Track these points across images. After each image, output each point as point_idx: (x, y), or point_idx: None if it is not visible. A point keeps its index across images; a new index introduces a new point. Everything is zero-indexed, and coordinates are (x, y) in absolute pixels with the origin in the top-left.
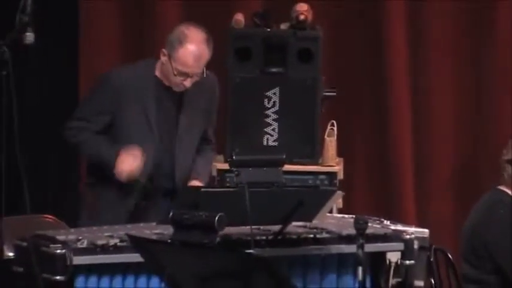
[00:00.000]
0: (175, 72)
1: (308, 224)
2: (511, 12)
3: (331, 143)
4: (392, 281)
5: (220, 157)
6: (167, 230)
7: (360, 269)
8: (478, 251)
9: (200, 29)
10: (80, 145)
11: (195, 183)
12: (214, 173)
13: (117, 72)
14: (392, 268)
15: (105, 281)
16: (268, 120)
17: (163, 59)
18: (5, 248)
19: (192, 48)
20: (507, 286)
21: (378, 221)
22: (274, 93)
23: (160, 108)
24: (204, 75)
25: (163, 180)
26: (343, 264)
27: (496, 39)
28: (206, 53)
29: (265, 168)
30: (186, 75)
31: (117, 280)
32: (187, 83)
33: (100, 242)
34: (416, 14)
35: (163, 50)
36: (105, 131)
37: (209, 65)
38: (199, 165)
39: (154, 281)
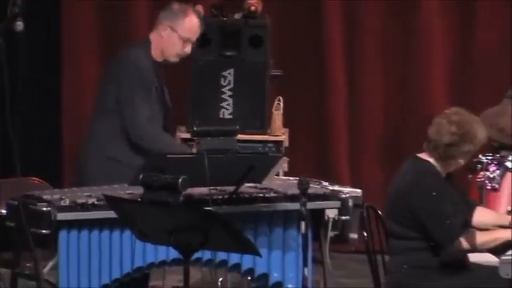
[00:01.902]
0: (184, 39)
1: (258, 185)
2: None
3: (278, 116)
4: (330, 234)
5: (183, 128)
6: (138, 191)
7: (303, 224)
8: (405, 213)
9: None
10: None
11: None
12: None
13: (135, 54)
14: (330, 223)
15: (84, 234)
16: (224, 96)
17: (165, 33)
18: None
19: (195, 18)
20: (428, 240)
21: (317, 183)
22: (229, 73)
23: (157, 82)
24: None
25: None
26: (289, 219)
27: (419, 27)
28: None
29: (221, 138)
30: (190, 41)
31: (95, 233)
32: (189, 49)
33: (80, 201)
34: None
35: (162, 24)
36: None
37: None
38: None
39: (127, 234)
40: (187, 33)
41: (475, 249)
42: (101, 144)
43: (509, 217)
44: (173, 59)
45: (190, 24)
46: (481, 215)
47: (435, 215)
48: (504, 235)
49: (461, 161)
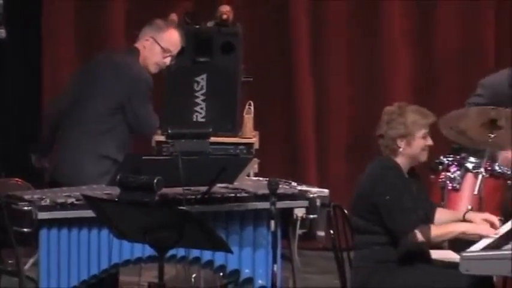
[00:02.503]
0: (165, 50)
1: (230, 185)
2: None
3: (248, 119)
4: (299, 232)
5: (159, 131)
6: (115, 191)
7: (273, 222)
8: (369, 208)
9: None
10: None
11: None
12: (153, 144)
13: (136, 65)
14: (298, 221)
15: (64, 232)
16: (197, 100)
17: (147, 43)
18: None
19: (177, 32)
20: (389, 233)
21: (287, 183)
22: (202, 79)
23: None
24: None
25: None
26: (259, 218)
27: (381, 29)
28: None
29: (194, 140)
30: (170, 53)
31: (74, 231)
32: (168, 61)
33: (60, 200)
34: (317, 11)
35: (146, 35)
36: None
37: None
38: None
39: (104, 232)
40: (168, 44)
41: (429, 242)
42: (95, 143)
43: (450, 227)
44: (152, 68)
45: (172, 36)
46: (441, 215)
47: (393, 209)
48: (457, 228)
49: (420, 137)
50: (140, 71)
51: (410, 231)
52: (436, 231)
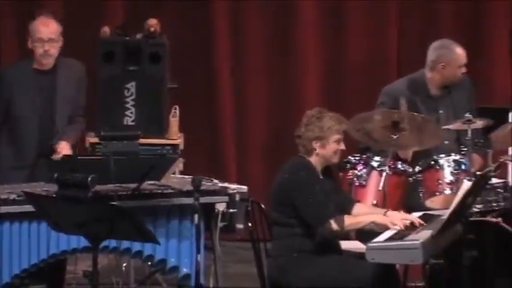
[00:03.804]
0: (35, 42)
1: (157, 182)
2: (312, 10)
3: (174, 122)
4: (220, 224)
5: (92, 133)
6: (53, 188)
7: (196, 216)
8: (286, 202)
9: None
10: None
11: (62, 142)
12: (87, 145)
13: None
14: (219, 215)
15: (6, 225)
16: (128, 105)
17: (29, 43)
18: None
19: (41, 20)
20: (303, 224)
21: (209, 180)
22: (132, 86)
23: (41, 90)
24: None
25: (47, 144)
26: (184, 212)
27: (296, 37)
28: (53, 22)
29: (125, 141)
30: (42, 40)
31: (15, 225)
32: (47, 47)
33: (3, 197)
34: (237, 14)
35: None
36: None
37: (84, 64)
38: (67, 130)
39: (43, 225)
40: (36, 33)
41: (343, 230)
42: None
43: (361, 218)
44: (44, 60)
45: (36, 25)
46: (360, 209)
47: (307, 203)
48: (368, 219)
49: (333, 141)
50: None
51: (325, 221)
52: (349, 220)
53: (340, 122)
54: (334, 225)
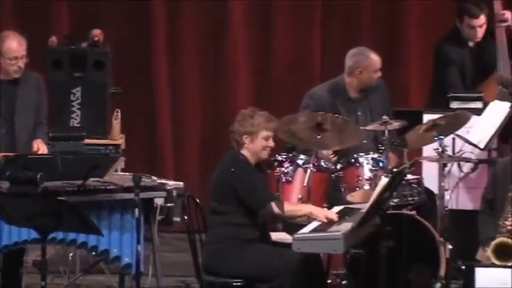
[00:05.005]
0: (8, 60)
1: (101, 179)
2: (240, 7)
3: (116, 124)
4: (158, 218)
5: None
6: (5, 184)
7: (136, 210)
8: (226, 191)
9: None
10: None
11: (38, 140)
12: None
13: None
14: (158, 209)
15: None
16: (74, 109)
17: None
18: None
19: (12, 37)
20: (239, 214)
21: (148, 177)
22: (78, 91)
23: (5, 99)
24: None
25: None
26: (125, 206)
27: (227, 40)
28: (22, 39)
29: (71, 142)
30: (16, 58)
31: None
32: (20, 63)
33: None
34: (173, 15)
35: None
36: None
37: (34, 70)
38: (37, 132)
39: None
40: (10, 52)
41: (283, 215)
42: None
43: (300, 206)
44: (15, 74)
45: (9, 44)
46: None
47: (249, 188)
48: (306, 208)
49: (262, 138)
50: None
51: (267, 204)
52: (289, 206)
53: (269, 121)
54: (275, 208)
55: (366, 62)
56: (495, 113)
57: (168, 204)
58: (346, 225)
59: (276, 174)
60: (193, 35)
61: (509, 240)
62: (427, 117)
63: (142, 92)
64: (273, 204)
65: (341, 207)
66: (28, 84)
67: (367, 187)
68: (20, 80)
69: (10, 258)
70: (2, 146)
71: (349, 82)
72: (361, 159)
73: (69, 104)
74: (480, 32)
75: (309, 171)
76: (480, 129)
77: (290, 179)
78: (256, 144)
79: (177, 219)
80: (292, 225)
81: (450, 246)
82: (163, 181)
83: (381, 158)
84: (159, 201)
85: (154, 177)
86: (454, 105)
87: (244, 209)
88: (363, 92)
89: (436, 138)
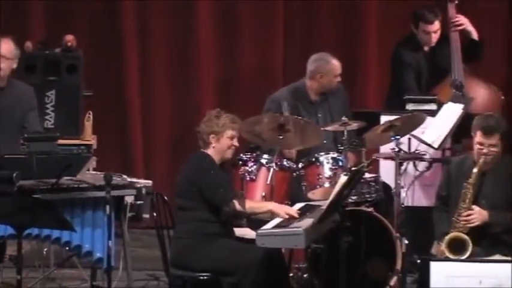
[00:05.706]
0: None
1: (74, 178)
2: (207, 13)
3: (88, 125)
4: (128, 214)
5: None
6: None
7: (108, 207)
8: (192, 189)
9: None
10: None
11: None
12: None
13: None
14: (128, 206)
15: None
16: (48, 111)
17: None
18: None
19: (3, 39)
20: (205, 210)
21: (119, 176)
22: (52, 94)
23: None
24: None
25: None
26: (97, 204)
27: (196, 46)
28: (10, 42)
29: (45, 142)
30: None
31: None
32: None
33: None
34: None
35: None
36: None
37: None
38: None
39: None
40: None
41: (245, 212)
42: None
43: (262, 204)
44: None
45: None
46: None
47: (213, 186)
48: (267, 205)
49: (227, 137)
50: None
51: (230, 201)
52: (250, 203)
53: (234, 121)
54: (237, 205)
55: (327, 67)
56: (449, 114)
57: (138, 202)
58: (307, 221)
59: (240, 173)
60: (160, 35)
61: (462, 235)
62: (384, 119)
63: (113, 94)
64: (236, 202)
65: (302, 204)
66: (15, 94)
67: (327, 185)
68: (6, 89)
69: None
70: None
71: (310, 86)
72: (321, 159)
73: (44, 106)
74: (435, 37)
75: (272, 170)
76: (434, 129)
77: (254, 177)
78: (222, 143)
79: (146, 215)
80: (256, 221)
81: (406, 241)
82: (133, 180)
83: (341, 158)
84: (129, 199)
85: (124, 176)
86: (410, 107)
87: (209, 205)
88: (323, 95)
89: (392, 138)
